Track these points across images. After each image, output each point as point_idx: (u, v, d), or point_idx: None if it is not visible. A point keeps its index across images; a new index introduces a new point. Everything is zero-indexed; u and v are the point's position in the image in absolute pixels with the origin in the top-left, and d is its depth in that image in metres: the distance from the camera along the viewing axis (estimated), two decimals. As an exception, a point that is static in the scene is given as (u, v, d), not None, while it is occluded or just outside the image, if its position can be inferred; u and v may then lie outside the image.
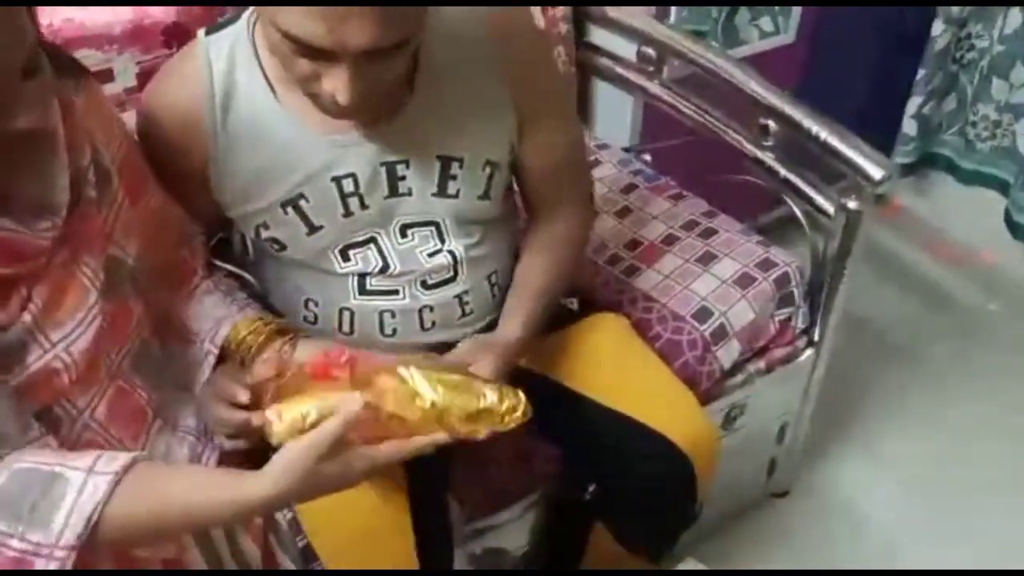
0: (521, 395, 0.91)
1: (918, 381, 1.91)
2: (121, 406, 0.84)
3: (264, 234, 1.02)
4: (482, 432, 0.89)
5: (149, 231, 0.92)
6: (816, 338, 1.47)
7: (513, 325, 1.08)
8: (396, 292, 1.06)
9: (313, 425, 0.79)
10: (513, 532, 1.26)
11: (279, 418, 0.80)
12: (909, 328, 2.04)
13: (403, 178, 1.01)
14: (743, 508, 1.63)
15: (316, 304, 1.08)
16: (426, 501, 1.07)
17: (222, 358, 0.98)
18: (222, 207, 1.03)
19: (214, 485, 0.77)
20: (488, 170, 1.04)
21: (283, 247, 1.03)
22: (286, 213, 1.00)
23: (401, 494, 1.04)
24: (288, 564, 1.05)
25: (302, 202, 1.00)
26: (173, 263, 1.00)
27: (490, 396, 0.88)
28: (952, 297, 2.14)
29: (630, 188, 1.59)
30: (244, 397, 0.91)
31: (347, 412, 0.78)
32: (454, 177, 1.02)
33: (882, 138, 2.00)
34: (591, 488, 1.23)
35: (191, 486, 0.76)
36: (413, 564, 1.04)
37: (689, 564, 1.05)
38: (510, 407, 0.90)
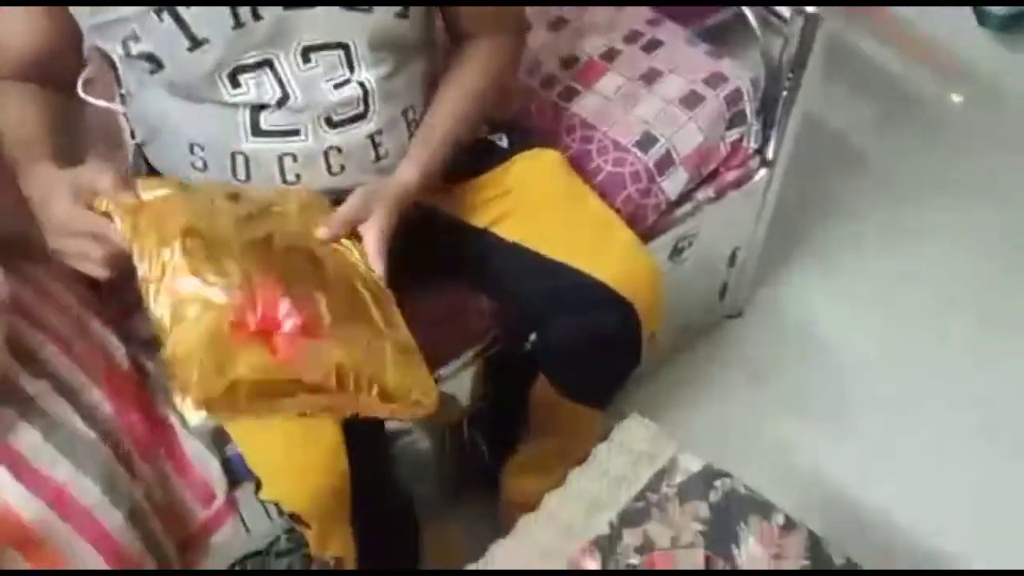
0: None
1: (876, 189, 1.83)
2: None
3: (134, 48, 0.86)
4: None
5: None
6: (770, 156, 1.36)
7: (410, 167, 0.96)
8: (296, 132, 0.93)
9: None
10: (451, 390, 1.19)
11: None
12: (869, 131, 1.93)
13: None
14: (695, 333, 1.58)
15: (202, 148, 0.94)
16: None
17: None
18: (78, 15, 0.87)
19: None
20: None
21: (159, 65, 0.87)
22: (160, 20, 0.84)
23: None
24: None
25: (181, 8, 0.84)
26: None
27: None
28: (916, 92, 2.02)
29: (565, -6, 1.41)
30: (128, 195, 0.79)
31: None
32: None
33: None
34: (531, 338, 1.16)
35: None
36: (339, 436, 0.97)
37: (634, 419, 1.00)
38: None
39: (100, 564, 0.82)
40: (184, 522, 0.98)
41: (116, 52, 0.89)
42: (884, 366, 1.58)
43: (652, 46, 1.32)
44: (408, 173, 0.95)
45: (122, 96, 0.97)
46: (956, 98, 2.02)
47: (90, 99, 0.96)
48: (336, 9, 0.88)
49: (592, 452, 0.98)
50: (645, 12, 1.38)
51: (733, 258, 1.50)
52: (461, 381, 1.21)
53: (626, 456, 0.97)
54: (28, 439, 0.82)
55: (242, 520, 1.04)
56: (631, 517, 0.92)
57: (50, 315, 0.90)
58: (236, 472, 1.01)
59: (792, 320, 1.65)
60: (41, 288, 0.92)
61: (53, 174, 0.83)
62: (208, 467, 0.99)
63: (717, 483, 0.95)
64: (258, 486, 0.96)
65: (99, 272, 0.80)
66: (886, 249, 1.74)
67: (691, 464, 0.96)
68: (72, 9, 0.87)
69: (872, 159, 1.88)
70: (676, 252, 1.33)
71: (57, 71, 0.94)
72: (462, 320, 1.14)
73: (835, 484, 1.43)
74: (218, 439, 1.00)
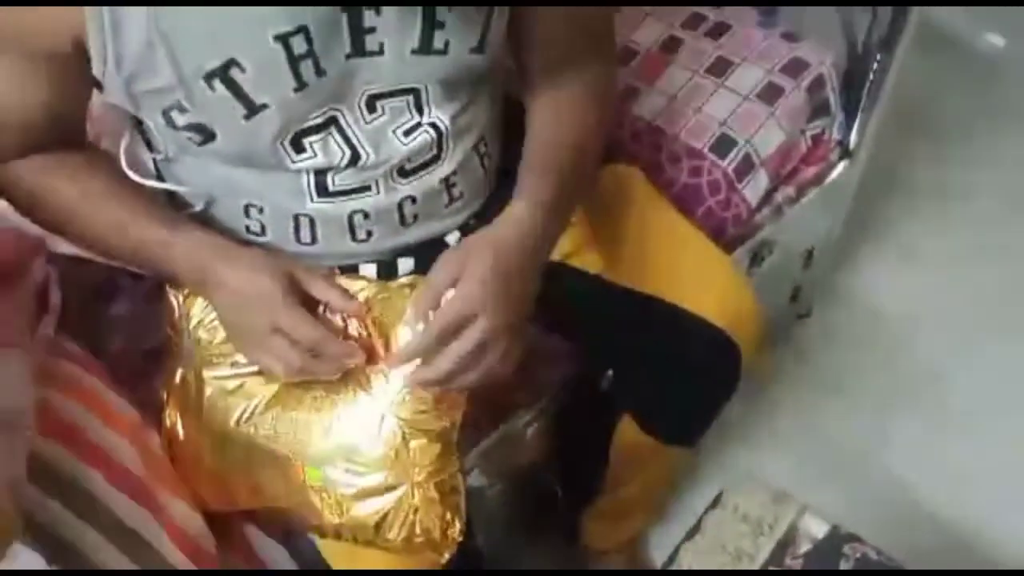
0: None
1: (959, 171, 1.67)
2: None
3: (180, 120, 0.72)
4: None
5: None
6: (852, 145, 1.22)
7: (519, 200, 0.79)
8: (367, 188, 0.79)
9: None
10: (530, 433, 1.07)
11: None
12: (955, 107, 1.76)
13: (372, 30, 0.71)
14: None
15: (261, 211, 0.81)
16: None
17: None
18: (108, 81, 0.71)
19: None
20: (484, 12, 0.75)
21: (210, 136, 0.73)
22: (212, 88, 0.69)
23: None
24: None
25: (235, 72, 0.69)
26: None
27: None
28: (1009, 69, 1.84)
29: (610, -25, 1.26)
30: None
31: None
32: (441, 25, 0.73)
33: None
34: (608, 375, 1.04)
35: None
36: None
37: (746, 483, 0.88)
38: None
39: None
40: None
41: (155, 123, 0.74)
42: (968, 351, 1.45)
43: (718, 31, 1.17)
44: (516, 208, 0.78)
45: (155, 161, 0.82)
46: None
47: (137, 178, 0.80)
48: (408, 54, 0.73)
49: (703, 521, 0.86)
50: (706, -9, 1.23)
51: (809, 258, 1.36)
52: (535, 428, 1.08)
53: (742, 525, 0.85)
54: None
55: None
56: (758, 599, 0.81)
57: (98, 428, 0.76)
58: (308, 561, 0.90)
59: (866, 314, 1.52)
60: (84, 390, 0.79)
61: (256, 260, 0.76)
62: (274, 557, 0.89)
63: (847, 549, 0.83)
64: None
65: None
66: (968, 226, 1.60)
67: (815, 528, 0.85)
68: (103, 76, 0.70)
69: (959, 138, 1.72)
70: (756, 262, 1.20)
71: (70, 136, 0.79)
72: (534, 367, 1.02)
73: (914, 496, 1.31)
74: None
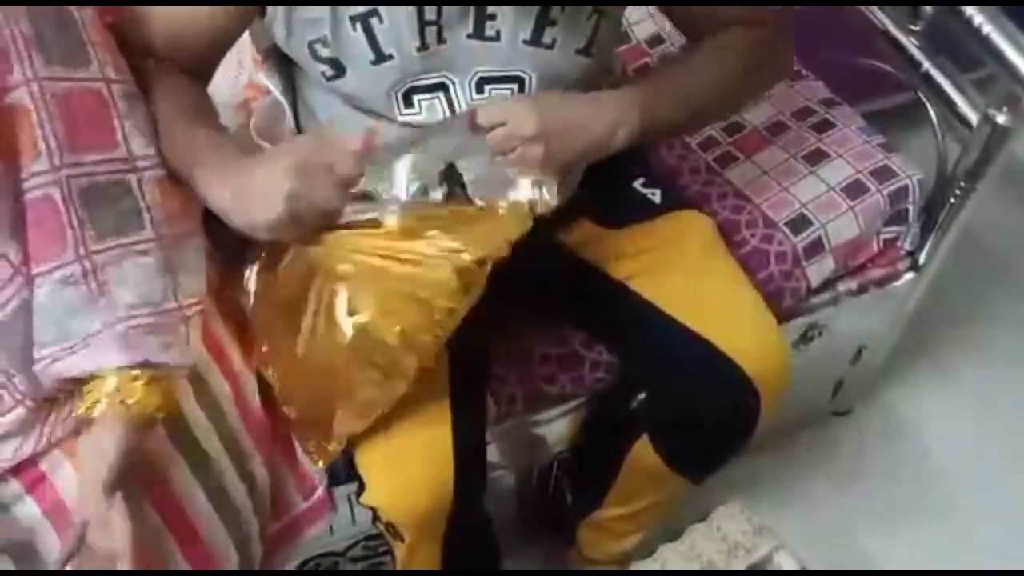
0: None
1: (1017, 310, 1.73)
2: None
3: (322, 52, 0.87)
4: None
5: None
6: (922, 261, 1.30)
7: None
8: None
9: None
10: (549, 433, 1.17)
11: None
12: (1011, 238, 1.83)
13: (493, 17, 0.86)
14: (798, 424, 1.52)
15: None
16: (464, 397, 0.98)
17: None
18: (268, 17, 0.87)
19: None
20: (594, 19, 0.89)
21: (340, 72, 0.88)
22: (353, 29, 0.85)
23: (444, 390, 0.96)
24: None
25: (374, 20, 0.84)
26: None
27: None
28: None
29: (740, 58, 1.38)
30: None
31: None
32: (552, 23, 0.87)
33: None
34: (639, 398, 1.13)
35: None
36: (449, 460, 0.96)
37: (734, 508, 0.96)
38: None
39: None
40: (284, 510, 0.99)
41: (301, 51, 0.88)
42: (993, 486, 1.49)
43: (823, 127, 1.28)
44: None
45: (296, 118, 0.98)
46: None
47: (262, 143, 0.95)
48: (519, 43, 0.87)
49: (687, 532, 0.95)
50: (821, 90, 1.34)
51: (858, 356, 1.43)
52: (560, 426, 1.19)
53: (721, 544, 0.94)
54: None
55: (329, 520, 1.05)
56: (718, 610, 0.89)
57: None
58: (335, 472, 1.01)
59: (902, 427, 1.57)
60: None
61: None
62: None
63: (812, 593, 0.91)
64: (360, 489, 0.96)
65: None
66: (1013, 364, 1.65)
67: (786, 563, 0.92)
68: (270, 12, 0.86)
69: (1014, 269, 1.79)
70: (804, 339, 1.29)
71: (208, 71, 0.93)
72: (575, 366, 1.12)
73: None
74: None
